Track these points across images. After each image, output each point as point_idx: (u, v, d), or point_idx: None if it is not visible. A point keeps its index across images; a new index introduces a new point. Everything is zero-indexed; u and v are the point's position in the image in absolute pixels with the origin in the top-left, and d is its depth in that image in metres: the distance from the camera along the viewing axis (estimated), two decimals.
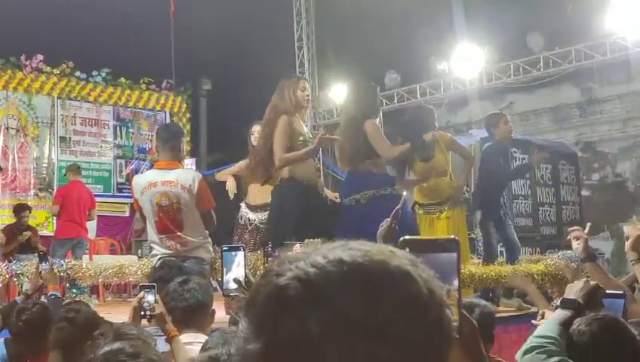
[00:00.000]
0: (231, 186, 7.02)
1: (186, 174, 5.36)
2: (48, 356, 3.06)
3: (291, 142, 5.45)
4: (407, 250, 0.94)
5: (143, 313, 3.24)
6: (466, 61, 12.89)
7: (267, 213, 6.26)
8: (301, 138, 5.46)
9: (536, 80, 12.90)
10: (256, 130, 6.66)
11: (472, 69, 12.99)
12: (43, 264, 4.70)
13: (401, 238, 0.97)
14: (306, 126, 5.76)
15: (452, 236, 1.01)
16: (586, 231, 3.75)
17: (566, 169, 12.38)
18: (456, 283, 0.95)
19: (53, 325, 3.12)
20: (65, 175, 10.89)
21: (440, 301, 0.82)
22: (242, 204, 6.87)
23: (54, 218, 10.20)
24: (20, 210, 9.93)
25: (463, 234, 6.98)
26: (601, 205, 13.68)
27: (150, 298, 3.24)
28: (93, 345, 2.30)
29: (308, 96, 5.65)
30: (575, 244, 3.64)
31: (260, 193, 6.61)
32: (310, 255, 0.81)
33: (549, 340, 2.22)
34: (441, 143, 6.81)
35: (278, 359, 0.77)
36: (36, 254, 5.30)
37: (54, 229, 11.46)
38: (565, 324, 2.27)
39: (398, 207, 3.24)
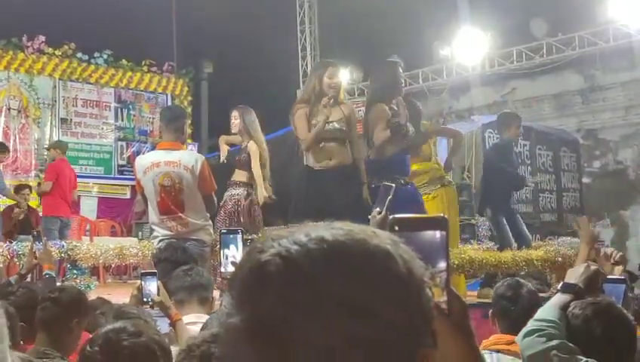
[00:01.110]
0: (223, 151, 7.14)
1: (190, 155, 5.41)
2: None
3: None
4: (397, 228, 0.94)
5: (145, 299, 3.25)
6: (468, 47, 12.85)
7: (235, 190, 6.58)
8: (328, 126, 5.51)
9: (538, 66, 12.87)
10: (233, 115, 6.83)
11: (475, 54, 12.96)
12: (37, 243, 4.70)
13: (391, 216, 0.97)
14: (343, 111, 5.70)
15: (441, 214, 1.01)
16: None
17: (567, 156, 12.38)
18: (444, 261, 0.95)
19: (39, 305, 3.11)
20: (48, 150, 10.71)
21: (419, 280, 0.83)
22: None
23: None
24: (18, 189, 9.95)
25: (454, 213, 7.06)
26: (601, 192, 13.67)
27: (152, 285, 3.25)
28: (94, 324, 2.32)
29: (335, 84, 5.64)
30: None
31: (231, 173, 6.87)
32: (294, 233, 0.82)
33: (549, 324, 2.24)
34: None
35: (258, 333, 0.78)
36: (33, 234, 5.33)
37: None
38: (565, 308, 2.28)
39: (390, 197, 3.23)
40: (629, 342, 2.25)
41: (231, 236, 3.06)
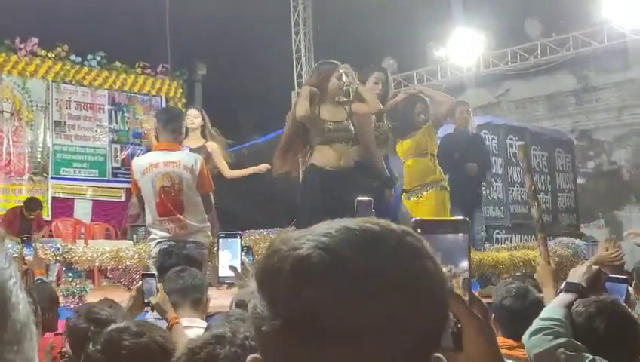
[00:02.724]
0: None
1: (189, 156, 5.45)
2: None
3: (315, 128, 5.51)
4: (420, 230, 0.95)
5: (145, 301, 3.22)
6: (463, 48, 12.86)
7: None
8: (329, 125, 5.50)
9: (532, 67, 12.88)
10: (193, 114, 7.12)
11: (470, 55, 12.97)
12: (27, 249, 4.65)
13: (414, 219, 0.98)
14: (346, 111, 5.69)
15: (463, 217, 1.01)
16: None
17: (562, 156, 12.39)
18: (466, 263, 0.96)
19: None
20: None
21: (440, 269, 0.85)
22: None
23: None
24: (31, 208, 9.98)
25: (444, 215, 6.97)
26: (596, 193, 13.71)
27: (152, 286, 3.23)
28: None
29: (344, 84, 5.66)
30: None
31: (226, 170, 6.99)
32: (312, 230, 0.84)
33: (555, 322, 2.25)
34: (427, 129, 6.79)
35: (301, 328, 0.78)
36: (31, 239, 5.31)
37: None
38: (569, 307, 2.29)
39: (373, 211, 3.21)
40: (632, 339, 2.26)
41: (229, 240, 3.03)
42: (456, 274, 0.94)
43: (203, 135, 7.11)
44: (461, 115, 7.41)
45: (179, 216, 5.17)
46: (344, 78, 5.64)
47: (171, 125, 5.36)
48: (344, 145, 5.63)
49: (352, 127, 5.63)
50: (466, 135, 7.51)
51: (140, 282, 3.27)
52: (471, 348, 0.95)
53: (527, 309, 3.03)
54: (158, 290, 3.18)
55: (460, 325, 0.94)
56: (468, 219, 1.00)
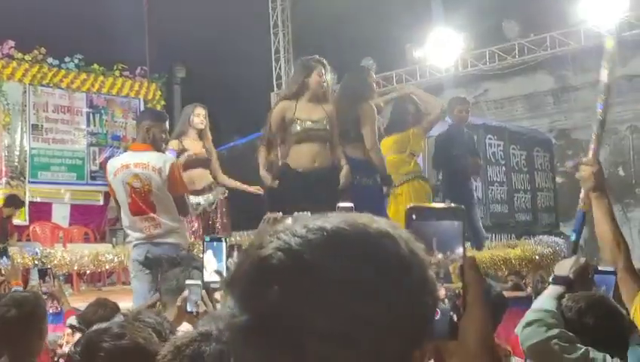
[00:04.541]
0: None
1: (158, 157, 5.27)
2: None
3: (285, 126, 5.50)
4: (414, 216, 0.95)
5: (190, 311, 3.09)
6: (441, 48, 12.91)
7: (211, 193, 6.55)
8: (297, 125, 5.49)
9: (511, 67, 12.96)
10: (202, 113, 6.79)
11: (448, 55, 13.02)
12: (2, 259, 4.59)
13: (409, 205, 0.97)
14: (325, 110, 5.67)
15: (459, 205, 1.00)
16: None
17: (541, 156, 12.49)
18: (461, 249, 0.95)
19: None
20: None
21: (422, 262, 0.84)
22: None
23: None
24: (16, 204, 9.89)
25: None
26: (574, 192, 13.72)
27: (197, 294, 3.09)
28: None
29: (324, 82, 5.63)
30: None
31: (199, 177, 6.75)
32: (291, 226, 0.83)
33: (547, 313, 2.29)
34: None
35: (266, 329, 0.78)
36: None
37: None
38: (559, 299, 2.33)
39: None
40: (620, 333, 2.29)
41: (214, 244, 2.98)
42: (454, 260, 0.94)
43: (200, 136, 6.90)
44: (459, 112, 7.36)
45: (151, 214, 5.11)
46: (324, 75, 5.63)
47: (145, 125, 5.25)
48: (320, 144, 5.60)
49: (328, 127, 5.60)
50: (461, 132, 7.51)
51: (186, 291, 3.15)
52: (470, 329, 0.94)
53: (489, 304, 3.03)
54: (202, 299, 3.04)
55: (453, 314, 0.93)
56: (462, 206, 0.99)
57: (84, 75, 12.90)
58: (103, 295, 6.81)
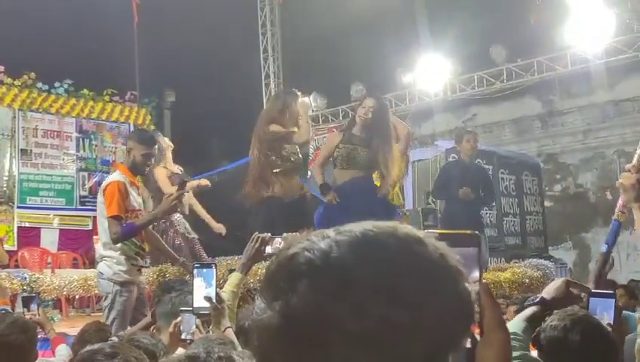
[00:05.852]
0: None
1: (110, 177, 5.16)
2: None
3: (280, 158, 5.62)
4: None
5: (183, 338, 3.08)
6: (430, 73, 13.01)
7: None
8: (292, 157, 5.61)
9: (498, 92, 13.05)
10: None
11: (437, 80, 13.12)
12: None
13: (425, 231, 0.98)
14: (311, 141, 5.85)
15: (474, 231, 1.02)
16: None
17: (529, 180, 12.53)
18: (477, 274, 0.97)
19: None
20: None
21: (454, 267, 0.83)
22: (178, 216, 6.92)
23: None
24: None
25: None
26: (563, 215, 13.86)
27: (190, 322, 3.09)
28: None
29: (299, 113, 5.77)
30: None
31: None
32: (322, 231, 0.83)
33: (511, 336, 2.25)
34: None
35: (292, 326, 0.78)
36: None
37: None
38: (531, 320, 2.28)
39: (268, 234, 3.27)
40: (606, 351, 2.29)
41: (204, 270, 2.97)
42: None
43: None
44: (467, 142, 7.47)
45: (95, 236, 5.07)
46: (304, 105, 5.75)
47: (127, 146, 5.19)
48: (295, 175, 5.76)
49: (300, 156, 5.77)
50: (464, 164, 7.70)
51: (179, 318, 3.14)
52: (489, 354, 0.94)
53: None
54: (197, 327, 3.00)
55: (471, 341, 0.93)
56: (478, 232, 1.01)
57: (73, 100, 12.91)
58: (91, 320, 6.76)
